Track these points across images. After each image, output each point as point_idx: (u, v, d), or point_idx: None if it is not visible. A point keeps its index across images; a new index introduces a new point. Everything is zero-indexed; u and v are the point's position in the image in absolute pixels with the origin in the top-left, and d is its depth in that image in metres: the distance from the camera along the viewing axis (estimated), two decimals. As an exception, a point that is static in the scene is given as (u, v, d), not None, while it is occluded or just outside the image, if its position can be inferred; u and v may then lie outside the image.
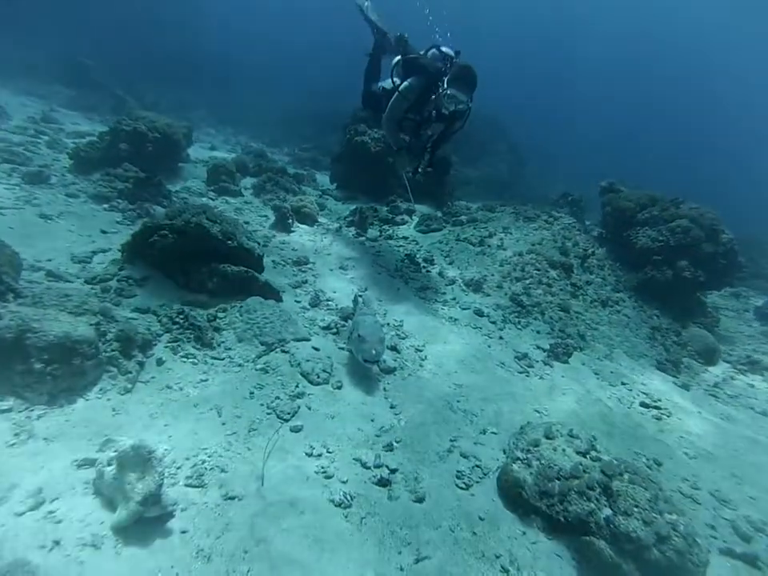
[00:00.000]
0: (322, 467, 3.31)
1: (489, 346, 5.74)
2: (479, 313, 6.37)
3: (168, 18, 25.19)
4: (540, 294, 6.96)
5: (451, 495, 3.33)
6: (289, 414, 3.77)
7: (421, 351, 5.22)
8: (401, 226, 8.50)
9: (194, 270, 4.85)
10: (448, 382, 4.77)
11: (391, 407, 4.16)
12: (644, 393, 5.40)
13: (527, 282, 7.13)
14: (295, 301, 5.57)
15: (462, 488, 3.42)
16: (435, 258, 7.46)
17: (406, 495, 3.24)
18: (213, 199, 8.21)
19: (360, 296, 5.57)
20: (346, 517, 2.98)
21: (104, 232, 5.75)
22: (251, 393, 3.91)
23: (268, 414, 3.74)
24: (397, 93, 5.96)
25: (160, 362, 3.90)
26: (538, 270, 7.36)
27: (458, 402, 4.49)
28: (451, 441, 3.86)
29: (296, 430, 3.63)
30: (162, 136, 7.93)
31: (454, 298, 6.58)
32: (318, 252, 7.02)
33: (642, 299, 7.36)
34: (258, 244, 5.53)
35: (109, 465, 2.57)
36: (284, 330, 4.73)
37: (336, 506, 3.03)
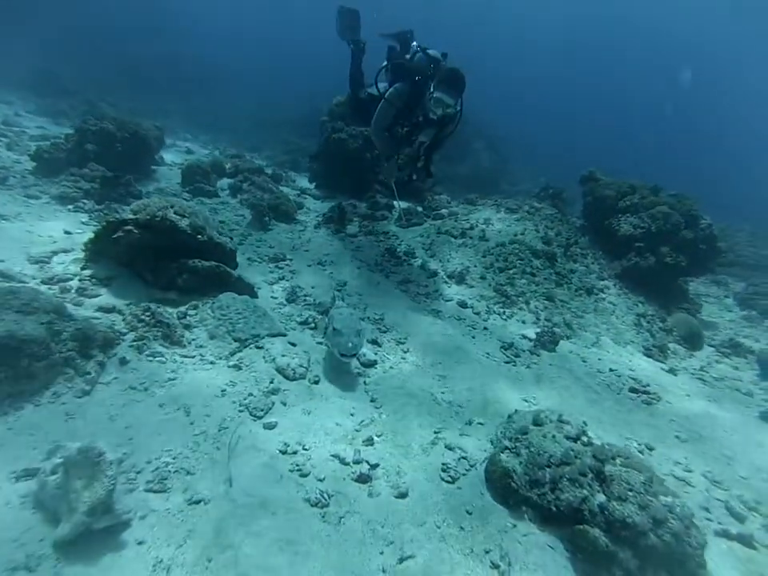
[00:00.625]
0: (297, 465, 3.06)
1: (473, 337, 5.55)
2: (462, 304, 6.19)
3: (143, 24, 24.75)
4: (524, 284, 6.81)
5: (436, 489, 3.11)
6: (262, 410, 3.52)
7: (403, 344, 5.00)
8: (381, 222, 8.30)
9: (163, 267, 4.57)
10: (432, 374, 4.56)
11: (372, 401, 3.94)
12: (633, 378, 5.25)
13: (511, 272, 6.98)
14: (271, 297, 5.33)
15: (447, 481, 3.20)
16: (416, 252, 7.28)
17: (387, 491, 3.02)
18: (187, 200, 7.91)
19: (338, 290, 5.34)
20: (322, 517, 2.74)
21: (68, 233, 5.42)
22: (223, 390, 3.65)
23: (240, 411, 3.49)
24: (383, 100, 5.75)
25: (123, 362, 3.62)
26: (522, 259, 7.21)
27: (443, 393, 4.28)
28: (435, 433, 3.65)
29: (270, 426, 3.39)
30: (132, 136, 7.62)
31: (437, 290, 6.40)
32: (295, 249, 6.78)
33: (626, 286, 7.26)
34: (231, 239, 5.27)
35: (53, 473, 2.30)
36: (258, 326, 4.48)
37: (312, 505, 2.79)
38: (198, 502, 2.62)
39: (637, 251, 7.21)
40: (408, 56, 5.97)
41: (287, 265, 6.20)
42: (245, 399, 3.61)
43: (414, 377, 4.43)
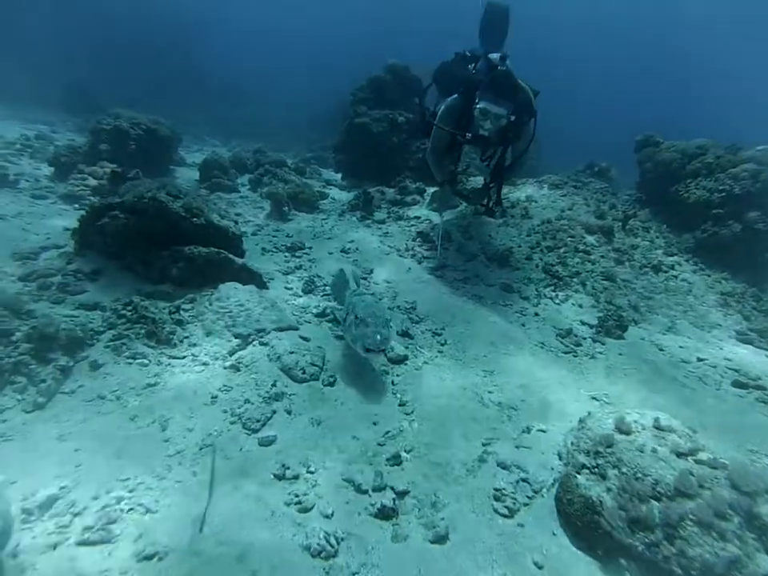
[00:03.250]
0: (297, 495, 2.22)
1: (523, 325, 4.54)
2: (507, 288, 5.18)
3: (167, 38, 24.99)
4: (578, 263, 5.71)
5: (488, 528, 2.18)
6: (259, 421, 2.71)
7: (439, 335, 4.08)
8: (412, 207, 7.39)
9: (155, 256, 3.89)
10: (476, 370, 3.61)
11: (401, 405, 3.04)
12: (733, 369, 4.06)
13: (561, 250, 5.89)
14: (285, 287, 4.54)
15: (503, 515, 2.25)
16: (452, 235, 6.31)
17: (419, 532, 2.11)
18: (204, 197, 7.34)
19: (363, 278, 4.44)
20: (326, 574, 1.87)
21: (67, 230, 4.87)
22: (213, 397, 2.88)
23: (232, 423, 2.69)
24: (435, 123, 4.83)
25: (95, 366, 2.92)
26: (572, 236, 6.10)
27: (490, 393, 3.32)
28: (484, 445, 2.70)
29: (266, 442, 2.56)
30: (146, 133, 7.12)
31: (477, 275, 5.41)
32: (316, 237, 6.00)
33: (702, 262, 5.98)
34: (236, 222, 4.54)
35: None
36: (264, 319, 3.69)
37: (313, 555, 1.94)
38: (150, 558, 1.81)
39: (715, 219, 5.91)
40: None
41: (306, 254, 5.42)
42: (239, 408, 2.82)
43: (454, 374, 3.50)
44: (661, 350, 4.41)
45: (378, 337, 3.00)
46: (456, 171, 5.26)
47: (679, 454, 2.08)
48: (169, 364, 3.12)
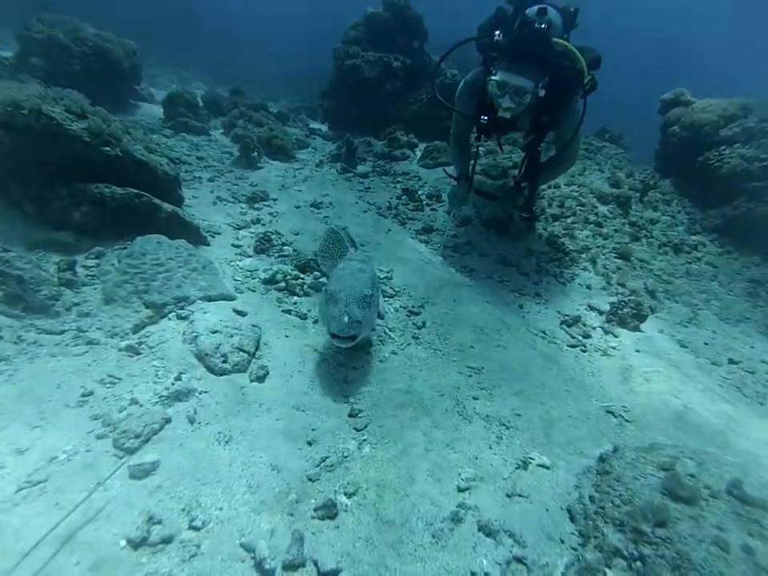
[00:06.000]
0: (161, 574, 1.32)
1: (521, 307, 3.62)
2: (504, 261, 4.23)
3: None
4: (588, 237, 4.76)
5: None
6: (139, 436, 1.79)
7: (416, 315, 3.15)
8: (400, 162, 6.29)
9: (51, 194, 2.86)
10: (459, 365, 2.71)
11: (351, 415, 2.14)
12: (778, 376, 3.20)
13: (569, 220, 4.92)
14: (233, 245, 3.55)
15: (484, 619, 1.39)
16: (443, 195, 5.28)
17: None
18: (167, 137, 6.16)
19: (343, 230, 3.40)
20: None
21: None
22: (86, 394, 1.94)
23: (99, 437, 1.78)
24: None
25: None
26: (583, 205, 5.12)
27: (476, 399, 2.43)
28: (461, 491, 1.81)
29: (140, 473, 1.66)
30: (93, 53, 5.84)
31: (469, 242, 4.44)
32: (285, 188, 4.94)
33: (729, 243, 5.04)
34: (173, 161, 3.49)
35: None
36: (189, 284, 2.72)
37: None
38: None
39: (750, 194, 4.93)
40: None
41: (268, 206, 4.39)
42: (119, 412, 1.89)
43: (430, 370, 2.59)
44: (683, 346, 3.53)
45: (346, 318, 2.10)
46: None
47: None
48: (35, 342, 2.17)
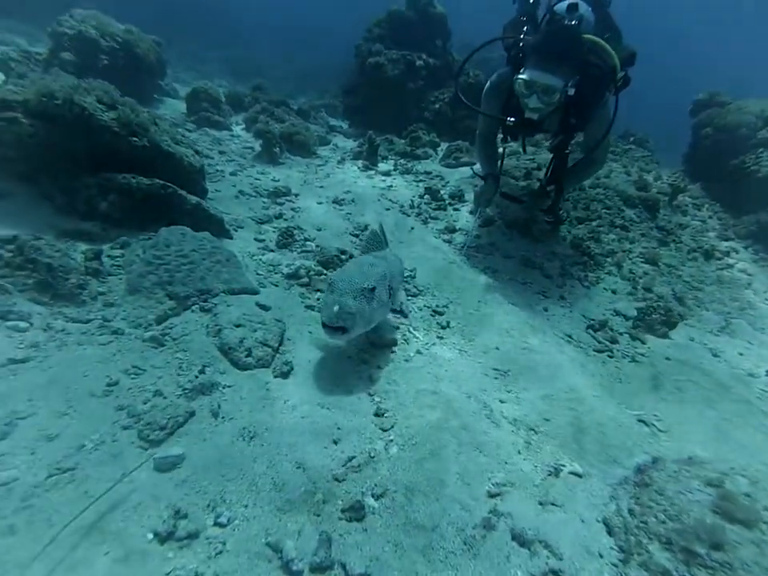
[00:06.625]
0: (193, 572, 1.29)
1: (545, 310, 3.53)
2: (528, 262, 4.13)
3: None
4: (613, 240, 4.63)
5: None
6: (164, 428, 1.77)
7: (441, 315, 3.09)
8: (422, 161, 6.23)
9: (80, 184, 2.87)
10: (485, 367, 2.64)
11: (377, 415, 2.09)
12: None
13: (594, 223, 4.80)
14: (256, 239, 3.53)
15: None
16: (466, 195, 5.20)
17: None
18: (190, 131, 6.20)
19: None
20: None
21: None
22: (109, 385, 1.93)
23: (124, 427, 1.76)
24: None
25: (-60, 325, 1.97)
26: (609, 208, 4.99)
27: (503, 403, 2.36)
28: (492, 496, 1.75)
29: (166, 466, 1.63)
30: (121, 48, 5.91)
31: (492, 244, 4.35)
32: (307, 183, 4.92)
33: (765, 250, 4.86)
34: (198, 152, 3.48)
35: None
36: (212, 277, 2.70)
37: None
38: None
39: (787, 199, 4.77)
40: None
41: (290, 201, 4.37)
42: (143, 403, 1.87)
43: (457, 371, 2.53)
44: (715, 355, 3.41)
45: (336, 308, 2.00)
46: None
47: None
48: (62, 330, 2.17)
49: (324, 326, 2.03)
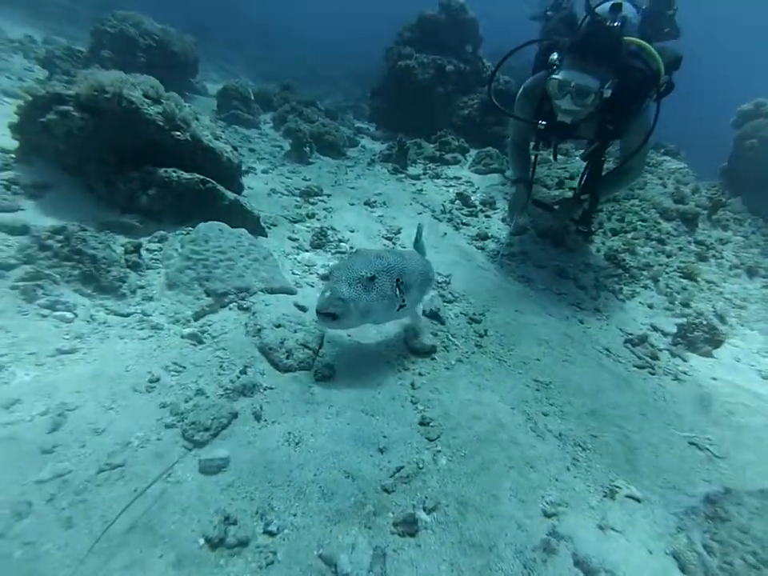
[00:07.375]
0: (233, 591, 1.23)
1: (581, 322, 3.43)
2: (561, 273, 4.04)
3: None
4: (649, 253, 4.51)
5: None
6: (208, 430, 1.72)
7: (478, 323, 3.01)
8: (451, 166, 6.17)
9: (124, 177, 2.86)
10: (525, 379, 2.55)
11: (422, 423, 2.02)
12: None
13: (629, 236, 4.68)
14: (289, 238, 3.50)
15: None
16: (497, 202, 5.12)
17: None
18: (221, 129, 6.22)
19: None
20: None
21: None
22: (153, 380, 1.89)
23: (167, 426, 1.71)
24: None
25: (-13, 314, 1.96)
26: (644, 220, 4.87)
27: (546, 416, 2.27)
28: (548, 516, 1.66)
29: (212, 469, 1.58)
30: (159, 46, 5.97)
31: (525, 252, 4.26)
32: (338, 184, 4.89)
33: (809, 269, 4.70)
34: (235, 149, 3.46)
35: None
36: (250, 274, 2.67)
37: None
38: None
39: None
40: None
41: (322, 201, 4.34)
42: (186, 402, 1.83)
43: (498, 382, 2.45)
44: (765, 378, 3.27)
45: (327, 293, 1.93)
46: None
47: None
48: (104, 322, 2.15)
49: (317, 312, 1.94)
